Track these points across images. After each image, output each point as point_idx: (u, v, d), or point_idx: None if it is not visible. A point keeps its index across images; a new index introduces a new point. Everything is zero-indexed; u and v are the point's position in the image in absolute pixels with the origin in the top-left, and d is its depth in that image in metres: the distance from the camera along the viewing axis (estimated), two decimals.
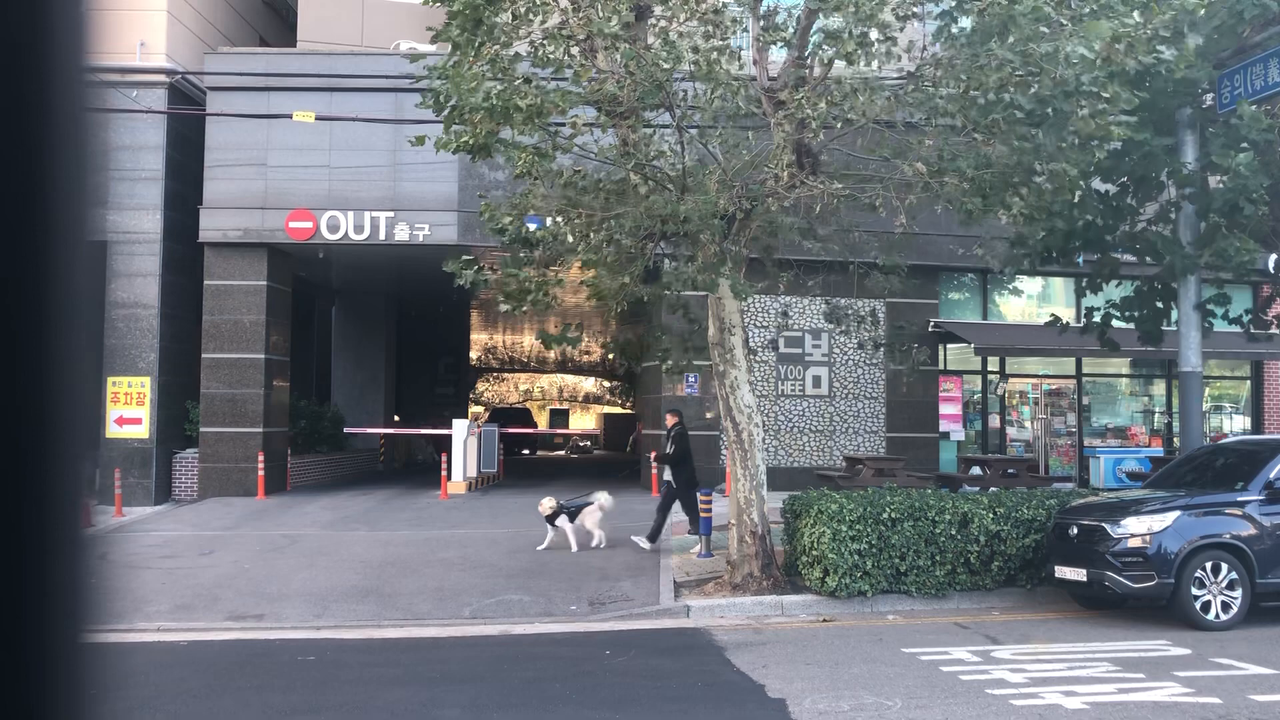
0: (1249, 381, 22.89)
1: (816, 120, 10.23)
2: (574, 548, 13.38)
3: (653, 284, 12.17)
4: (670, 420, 14.29)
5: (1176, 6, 11.38)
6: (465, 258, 11.32)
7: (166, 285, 18.56)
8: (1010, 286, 21.21)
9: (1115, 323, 15.10)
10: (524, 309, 11.19)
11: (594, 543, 13.60)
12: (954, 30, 10.91)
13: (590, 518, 13.64)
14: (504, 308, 11.38)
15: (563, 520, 13.49)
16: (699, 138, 11.55)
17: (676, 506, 14.00)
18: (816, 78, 10.77)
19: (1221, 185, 12.91)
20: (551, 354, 46.53)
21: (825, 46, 10.54)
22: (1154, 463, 18.57)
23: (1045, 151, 10.48)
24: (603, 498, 13.78)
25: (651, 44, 10.71)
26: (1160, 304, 14.74)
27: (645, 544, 13.54)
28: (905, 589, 11.17)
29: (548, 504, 13.59)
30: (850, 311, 13.66)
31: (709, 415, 19.08)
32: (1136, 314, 14.83)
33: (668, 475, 13.86)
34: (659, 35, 10.76)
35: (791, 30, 11.23)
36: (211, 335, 18.90)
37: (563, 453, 42.42)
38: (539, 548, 13.54)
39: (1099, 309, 15.11)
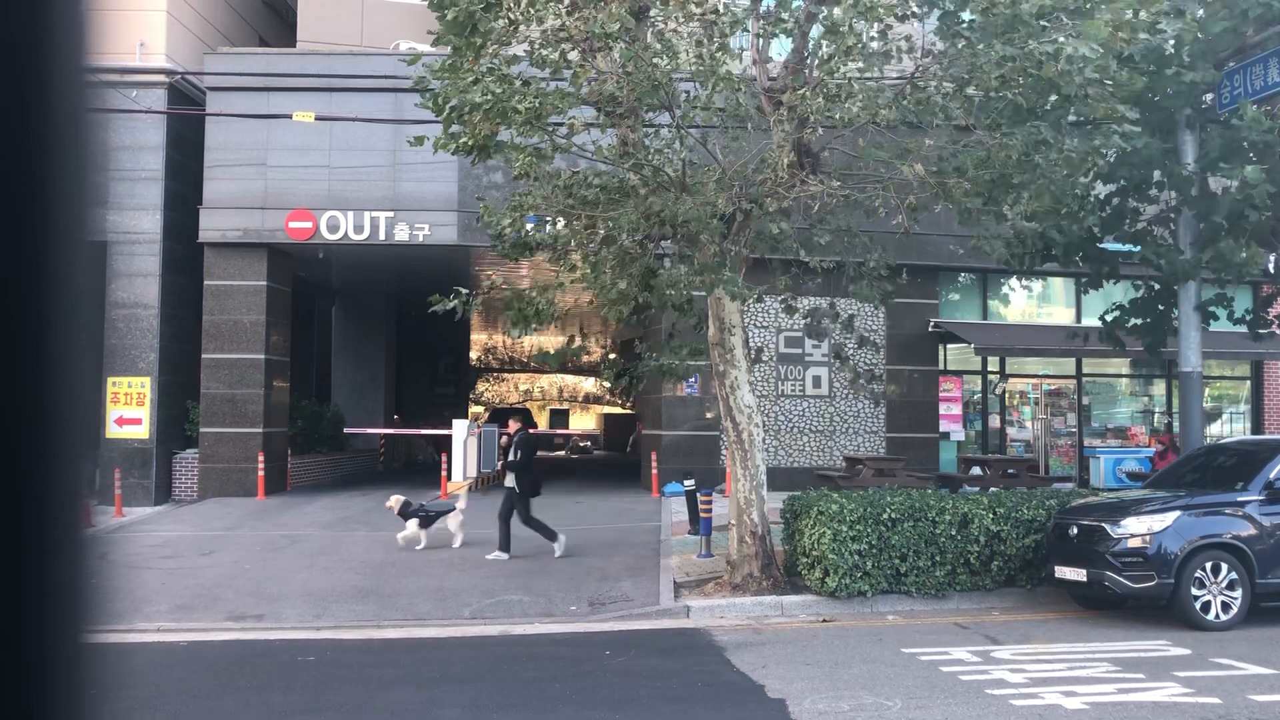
0: (1249, 381, 22.89)
1: (815, 115, 10.23)
2: (400, 544, 13.67)
3: (653, 286, 12.15)
4: (513, 426, 13.90)
5: None
6: (454, 293, 11.11)
7: (166, 285, 18.56)
8: (1006, 291, 21.21)
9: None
10: (535, 329, 11.26)
11: (455, 544, 13.82)
12: (954, 26, 10.89)
13: (453, 521, 13.92)
14: (514, 333, 11.47)
15: (411, 522, 13.74)
16: (699, 138, 11.55)
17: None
18: (816, 77, 10.77)
19: (1224, 191, 12.92)
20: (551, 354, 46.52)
21: (824, 42, 10.53)
22: (1154, 463, 18.56)
23: (1048, 145, 10.47)
24: (461, 503, 14.01)
25: (650, 44, 10.71)
26: (1162, 307, 14.73)
27: (502, 555, 13.14)
28: (905, 589, 11.17)
29: (395, 500, 13.97)
30: (829, 315, 13.27)
31: (709, 415, 19.08)
32: (1139, 321, 14.83)
33: (509, 482, 13.39)
34: (658, 36, 10.75)
35: (792, 24, 11.23)
36: (211, 335, 18.90)
37: (563, 453, 42.38)
38: (402, 540, 13.76)
39: (1111, 311, 15.13)
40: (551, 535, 13.27)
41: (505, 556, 13.14)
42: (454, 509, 14.03)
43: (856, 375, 13.36)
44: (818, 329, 13.14)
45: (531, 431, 13.83)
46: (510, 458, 13.46)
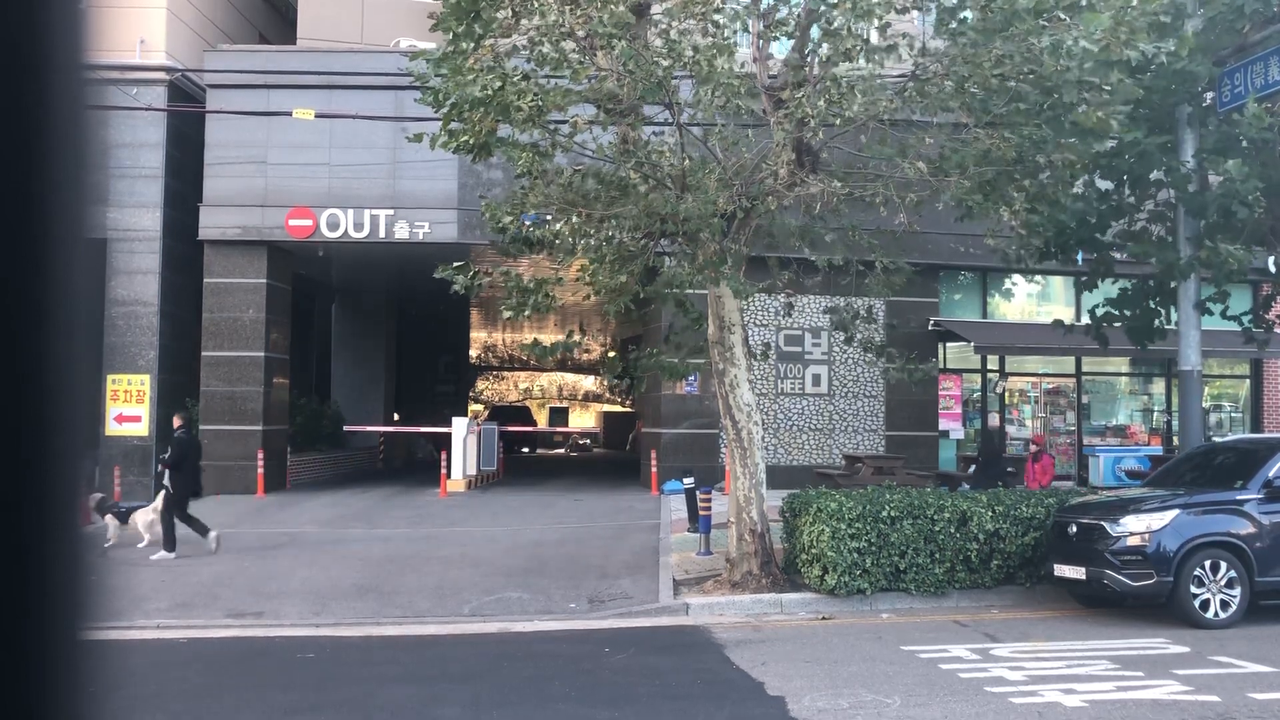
0: (1249, 380, 22.89)
1: (816, 118, 10.22)
2: (108, 540, 13.72)
3: (653, 283, 12.14)
4: (176, 422, 13.69)
5: None
6: (457, 264, 11.30)
7: (166, 283, 18.56)
8: (1007, 288, 21.18)
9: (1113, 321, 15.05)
10: (527, 314, 11.22)
11: (141, 543, 13.73)
12: (953, 25, 10.88)
13: (142, 518, 13.92)
14: (507, 315, 11.43)
15: (109, 518, 13.87)
16: (699, 136, 11.54)
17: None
18: (817, 76, 10.76)
19: (1219, 184, 12.89)
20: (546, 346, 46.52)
21: (824, 44, 10.52)
22: (1153, 461, 18.57)
23: (1046, 144, 10.46)
24: (158, 503, 13.93)
25: (651, 42, 10.69)
26: (1154, 303, 14.70)
27: (168, 555, 13.05)
28: (904, 587, 11.17)
29: (93, 499, 14.05)
30: (849, 313, 13.28)
31: (708, 413, 19.07)
32: (1127, 313, 14.79)
33: (166, 480, 13.30)
34: (659, 34, 10.74)
35: (793, 25, 11.22)
36: (211, 333, 18.90)
37: (562, 451, 42.40)
38: (105, 544, 13.70)
39: (1099, 306, 15.08)
40: (170, 544, 13.12)
41: (171, 556, 13.05)
42: (146, 507, 14.14)
43: (906, 361, 13.26)
44: (845, 324, 12.99)
45: (187, 435, 13.64)
46: (164, 455, 13.43)
